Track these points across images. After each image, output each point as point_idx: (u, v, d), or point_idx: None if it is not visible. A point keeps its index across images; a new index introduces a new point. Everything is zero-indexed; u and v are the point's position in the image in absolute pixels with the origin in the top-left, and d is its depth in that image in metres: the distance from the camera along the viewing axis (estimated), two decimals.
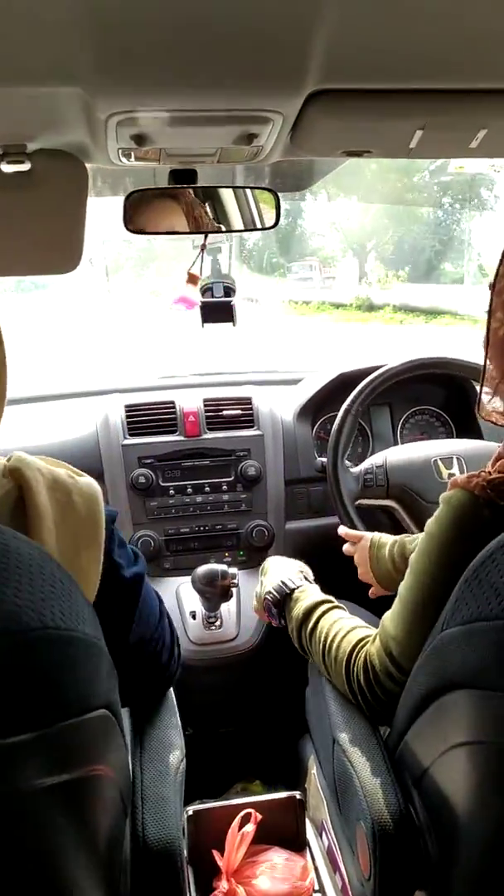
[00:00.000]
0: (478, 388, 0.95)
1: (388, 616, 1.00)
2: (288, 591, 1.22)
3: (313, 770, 1.34)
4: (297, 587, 1.22)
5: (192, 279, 1.53)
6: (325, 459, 1.75)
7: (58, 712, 0.60)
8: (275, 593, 1.23)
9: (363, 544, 1.38)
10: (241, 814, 1.20)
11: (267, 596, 1.24)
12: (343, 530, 1.46)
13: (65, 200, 1.24)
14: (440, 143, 1.18)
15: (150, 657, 1.00)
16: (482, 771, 0.72)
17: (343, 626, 1.10)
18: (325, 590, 1.68)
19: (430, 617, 0.84)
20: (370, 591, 1.39)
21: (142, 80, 0.93)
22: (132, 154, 1.21)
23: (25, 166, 1.16)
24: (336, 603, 1.18)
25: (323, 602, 1.17)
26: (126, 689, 0.85)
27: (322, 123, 1.10)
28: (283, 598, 1.22)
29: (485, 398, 0.92)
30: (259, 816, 1.20)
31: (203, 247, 1.49)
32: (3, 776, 0.57)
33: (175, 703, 1.13)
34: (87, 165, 1.25)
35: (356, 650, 1.04)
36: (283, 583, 1.23)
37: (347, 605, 1.57)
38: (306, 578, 1.27)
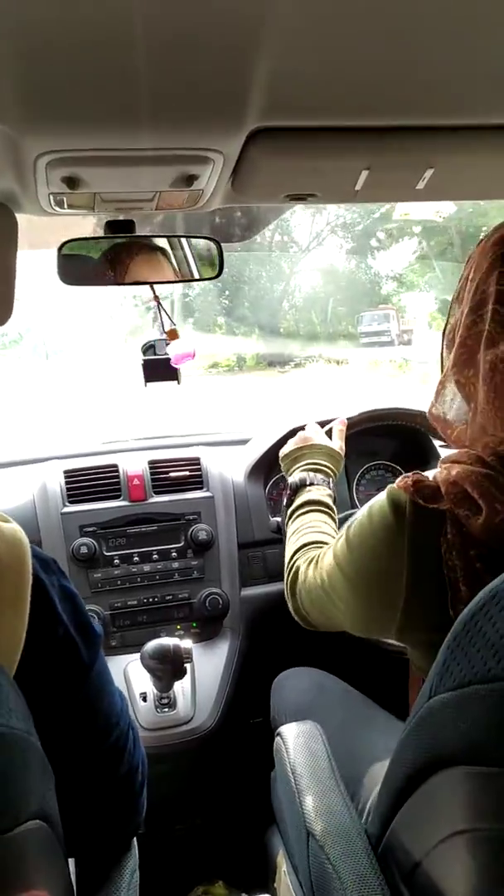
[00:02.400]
0: (431, 437, 0.92)
1: (323, 570, 0.99)
2: (303, 485, 1.28)
3: (283, 867, 1.20)
4: (305, 484, 1.27)
5: (172, 334, 1.48)
6: (279, 519, 1.66)
7: None
8: (297, 483, 1.29)
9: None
10: None
11: (291, 484, 1.30)
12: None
13: None
14: (386, 184, 1.15)
15: (105, 764, 0.83)
16: (484, 864, 0.62)
17: (308, 532, 1.16)
18: (287, 659, 1.59)
19: (346, 596, 0.93)
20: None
21: (72, 116, 0.87)
22: (64, 201, 1.15)
23: None
24: (315, 508, 1.22)
25: (309, 503, 1.23)
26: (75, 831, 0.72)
27: (264, 164, 1.05)
28: (298, 489, 1.28)
29: (435, 396, 0.91)
30: None
31: (156, 298, 1.42)
32: None
33: None
34: (17, 215, 1.17)
35: (301, 567, 1.09)
36: (300, 478, 1.29)
37: (312, 674, 1.47)
38: (330, 470, 1.31)
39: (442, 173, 1.10)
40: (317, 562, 1.02)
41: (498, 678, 0.56)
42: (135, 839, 0.92)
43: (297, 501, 1.25)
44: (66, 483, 1.67)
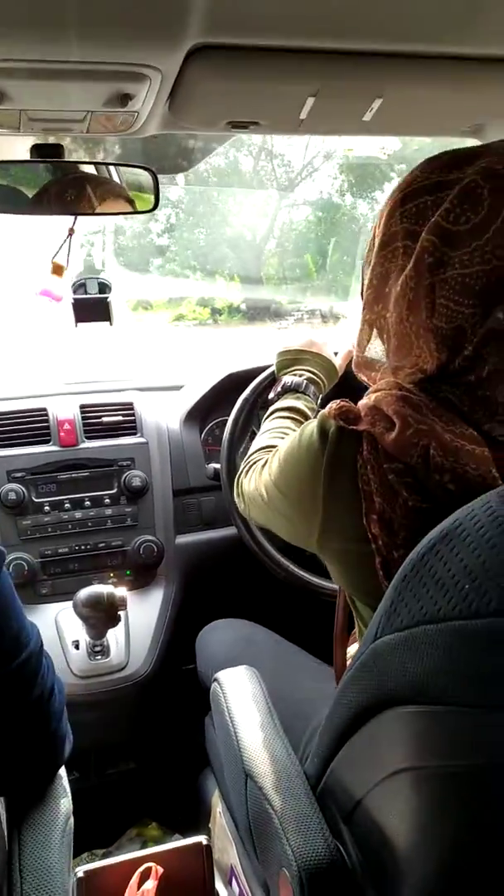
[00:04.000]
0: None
1: (264, 476, 1.02)
2: (295, 390, 1.29)
3: (218, 808, 1.21)
4: (297, 390, 1.29)
5: (57, 269, 1.38)
6: (217, 465, 1.63)
7: None
8: (289, 385, 1.30)
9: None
10: (140, 869, 1.04)
11: (283, 382, 1.31)
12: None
13: None
14: (333, 114, 1.10)
15: (16, 686, 0.80)
16: (426, 800, 0.62)
17: (277, 437, 1.18)
18: (217, 608, 1.58)
19: (271, 501, 0.98)
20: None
21: None
22: None
23: None
24: (295, 416, 1.24)
25: (291, 409, 1.25)
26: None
27: (205, 86, 0.99)
28: (287, 392, 1.30)
29: (357, 347, 0.94)
30: (160, 870, 1.05)
31: (71, 231, 1.34)
32: None
33: None
34: None
35: (255, 464, 1.11)
36: (294, 382, 1.30)
37: (243, 625, 1.46)
38: (322, 384, 1.32)
39: (390, 104, 1.06)
40: (262, 468, 1.05)
41: (448, 618, 0.55)
42: (66, 785, 0.89)
43: (282, 403, 1.27)
44: None
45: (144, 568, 1.60)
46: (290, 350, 1.36)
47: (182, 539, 1.66)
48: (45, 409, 1.64)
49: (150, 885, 1.04)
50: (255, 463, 1.11)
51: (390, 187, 0.87)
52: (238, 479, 1.16)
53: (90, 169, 1.33)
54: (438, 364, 0.80)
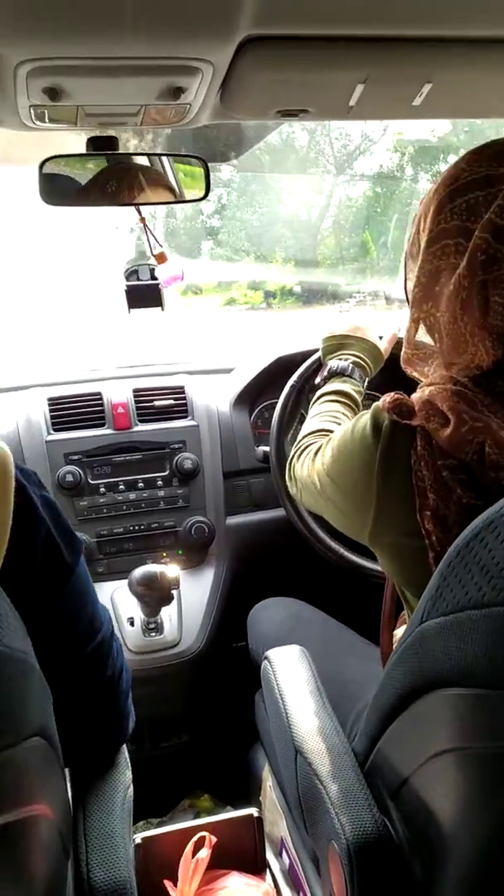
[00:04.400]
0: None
1: (319, 460, 1.03)
2: (341, 373, 1.30)
3: (268, 782, 1.25)
4: (344, 374, 1.30)
5: (161, 257, 1.44)
6: (266, 448, 1.65)
7: None
8: (335, 369, 1.31)
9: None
10: (195, 838, 1.09)
11: (329, 366, 1.32)
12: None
13: None
14: (382, 100, 1.10)
15: (89, 668, 0.85)
16: (471, 780, 0.64)
17: (326, 419, 1.20)
18: (267, 587, 1.61)
19: (323, 489, 1.00)
20: None
21: (55, 21, 0.82)
22: (46, 115, 1.09)
23: None
24: (343, 399, 1.25)
25: (339, 392, 1.26)
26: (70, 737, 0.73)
27: (255, 76, 1.01)
28: (334, 376, 1.31)
29: (405, 345, 0.94)
30: (214, 840, 1.09)
31: (142, 220, 1.38)
32: None
33: None
34: None
35: (307, 448, 1.11)
36: (339, 366, 1.31)
37: (289, 603, 1.49)
38: (369, 368, 1.32)
39: (440, 89, 1.05)
40: (315, 455, 1.06)
41: (492, 603, 0.57)
42: (127, 757, 0.94)
43: (329, 387, 1.28)
44: (51, 411, 1.65)
45: (196, 548, 1.64)
46: (336, 335, 1.37)
47: (232, 520, 1.69)
48: (99, 394, 1.69)
49: (205, 853, 1.09)
50: (307, 447, 1.12)
51: (454, 158, 0.87)
52: (290, 463, 1.18)
53: (142, 159, 1.36)
54: (494, 360, 0.80)
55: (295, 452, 1.17)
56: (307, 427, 1.21)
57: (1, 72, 0.91)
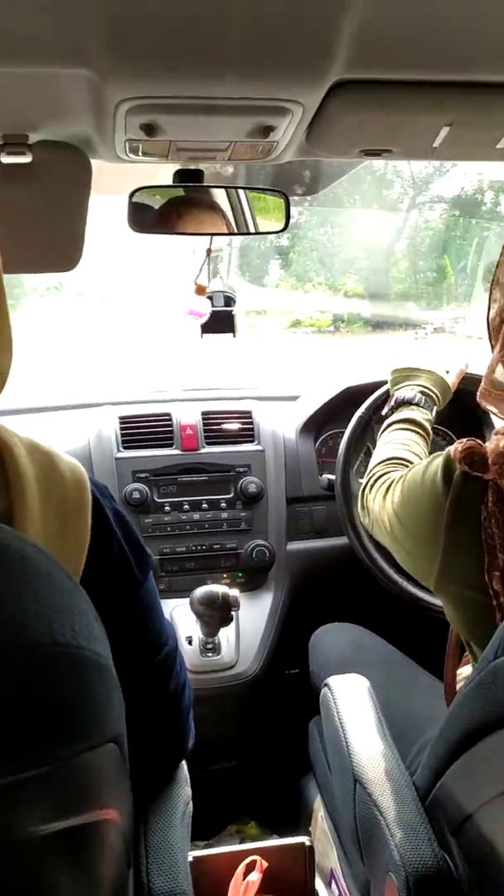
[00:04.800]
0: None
1: (390, 499, 1.02)
2: (409, 402, 1.31)
3: (320, 812, 1.25)
4: (411, 403, 1.30)
5: (200, 290, 1.47)
6: (331, 476, 1.67)
7: (68, 745, 0.52)
8: (403, 398, 1.32)
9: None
10: (246, 861, 1.10)
11: (396, 396, 1.33)
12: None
13: (67, 195, 1.17)
14: (465, 142, 1.12)
15: (155, 680, 0.88)
16: None
17: (398, 448, 1.20)
18: (327, 614, 1.61)
19: (392, 529, 0.98)
20: None
21: (157, 62, 0.86)
22: (139, 148, 1.14)
23: (27, 158, 1.09)
24: (412, 427, 1.25)
25: (409, 421, 1.26)
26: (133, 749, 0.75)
27: (343, 117, 1.04)
28: (402, 405, 1.31)
29: (485, 381, 0.93)
30: (265, 864, 1.10)
31: (209, 252, 1.42)
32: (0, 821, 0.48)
33: None
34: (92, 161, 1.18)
35: (381, 478, 1.11)
36: (407, 396, 1.31)
37: (351, 629, 1.50)
38: (437, 399, 1.33)
39: None
40: (386, 492, 1.05)
41: None
42: (187, 774, 0.96)
43: (399, 416, 1.28)
44: (121, 429, 1.70)
45: (256, 571, 1.66)
46: (403, 368, 1.38)
47: (293, 546, 1.71)
48: (169, 415, 1.73)
49: (255, 876, 1.10)
50: (380, 478, 1.12)
51: None
52: (363, 493, 1.18)
53: (222, 190, 1.40)
54: None
55: (368, 481, 1.17)
56: (379, 454, 1.22)
57: (103, 109, 0.96)
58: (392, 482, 1.05)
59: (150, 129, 1.04)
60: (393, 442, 1.23)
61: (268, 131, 1.06)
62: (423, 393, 1.32)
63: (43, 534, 0.67)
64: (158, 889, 0.76)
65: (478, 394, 0.97)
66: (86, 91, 0.91)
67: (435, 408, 1.33)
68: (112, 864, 0.67)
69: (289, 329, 3.40)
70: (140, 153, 1.15)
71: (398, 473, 1.07)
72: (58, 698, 0.52)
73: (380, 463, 1.19)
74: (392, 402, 1.34)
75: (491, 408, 0.95)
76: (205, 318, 1.51)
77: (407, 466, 1.14)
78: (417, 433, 1.25)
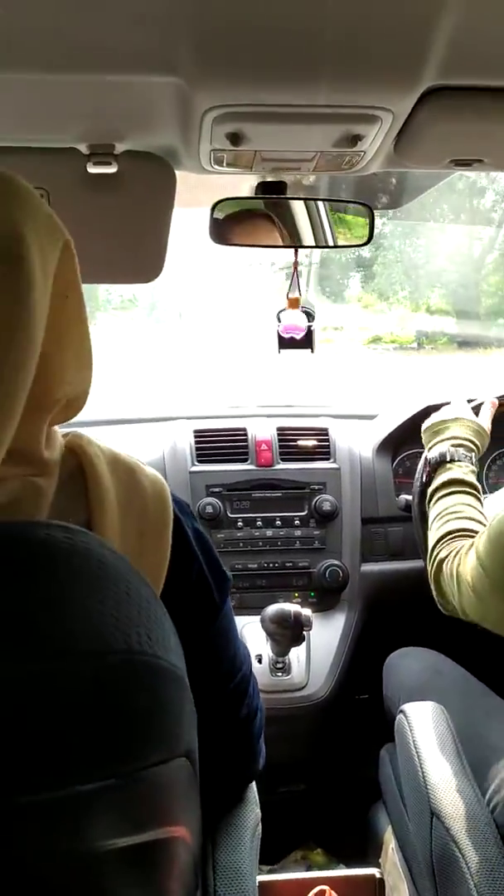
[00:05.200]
0: None
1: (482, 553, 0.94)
2: (444, 461, 1.23)
3: (391, 844, 1.19)
4: (445, 461, 1.22)
5: (294, 303, 1.45)
6: (408, 497, 1.62)
7: (140, 756, 0.50)
8: (437, 458, 1.24)
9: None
10: (315, 890, 1.06)
11: (429, 457, 1.25)
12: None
13: (151, 206, 1.17)
14: None
15: (228, 705, 0.85)
16: None
17: (452, 519, 1.11)
18: (401, 639, 1.56)
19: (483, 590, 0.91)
20: None
21: (246, 70, 0.86)
22: (224, 159, 1.14)
23: (112, 168, 1.10)
24: (457, 489, 1.17)
25: (452, 483, 1.17)
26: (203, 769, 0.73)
27: (433, 125, 1.01)
28: (438, 466, 1.23)
29: None
30: (334, 895, 1.06)
31: (295, 265, 1.40)
32: (70, 832, 0.46)
33: None
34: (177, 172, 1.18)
35: (440, 544, 1.05)
36: (439, 454, 1.23)
37: (427, 655, 1.44)
38: (474, 446, 1.24)
39: None
40: (461, 558, 0.99)
41: None
42: (256, 796, 0.93)
43: (438, 480, 1.19)
44: (196, 443, 1.70)
45: (329, 592, 1.62)
46: (431, 425, 1.32)
47: (367, 567, 1.67)
48: (244, 429, 1.72)
49: None
50: (444, 559, 1.05)
51: None
52: (431, 574, 1.10)
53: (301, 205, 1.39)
54: None
55: (433, 568, 1.09)
56: (434, 534, 1.13)
57: (190, 117, 0.96)
58: (463, 550, 0.98)
59: (235, 139, 1.04)
60: (443, 514, 1.14)
61: (355, 140, 1.05)
62: (456, 445, 1.23)
63: (122, 549, 0.66)
64: None
65: None
66: (174, 99, 0.92)
67: (474, 455, 1.24)
68: (180, 883, 0.65)
69: (368, 345, 3.31)
70: (225, 164, 1.15)
71: (465, 542, 1.00)
72: (131, 708, 0.50)
73: (438, 543, 1.11)
74: (425, 467, 1.26)
75: None
76: (303, 333, 1.49)
77: (471, 536, 1.06)
78: (465, 493, 1.16)
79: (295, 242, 1.36)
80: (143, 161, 1.12)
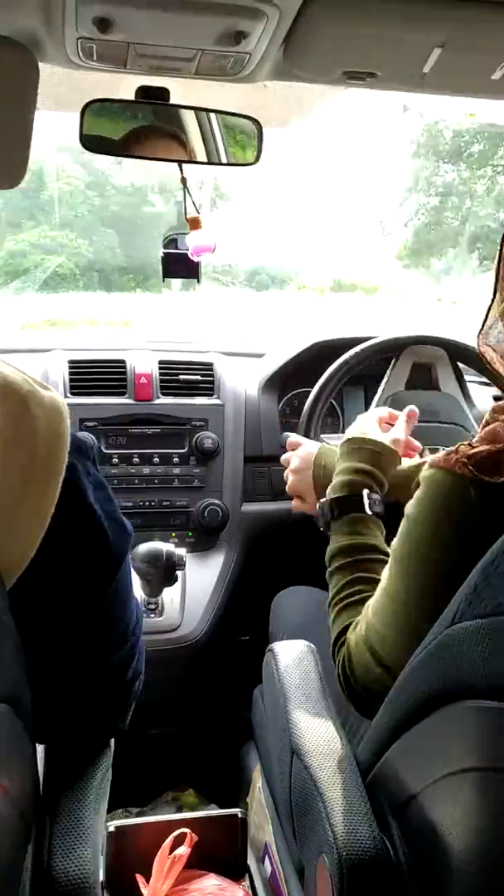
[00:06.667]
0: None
1: (372, 605, 0.84)
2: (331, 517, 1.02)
3: (258, 783, 1.18)
4: (335, 517, 1.02)
5: (195, 223, 1.35)
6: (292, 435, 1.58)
7: None
8: (331, 507, 1.02)
9: (308, 450, 1.23)
10: (174, 833, 1.02)
11: (324, 501, 1.04)
12: (291, 437, 1.30)
13: (10, 101, 1.02)
14: (459, 69, 1.03)
15: (109, 672, 0.78)
16: (492, 804, 0.57)
17: (356, 604, 0.92)
18: (286, 579, 1.53)
19: (422, 609, 0.76)
20: (294, 504, 1.26)
21: None
22: (94, 50, 1.03)
23: None
24: (370, 557, 0.96)
25: (352, 550, 0.98)
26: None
27: (324, 29, 0.94)
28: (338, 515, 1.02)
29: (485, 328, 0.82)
30: (195, 837, 1.02)
31: (183, 180, 1.31)
32: None
33: None
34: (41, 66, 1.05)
35: (342, 635, 0.90)
36: (326, 509, 1.03)
37: (313, 593, 1.42)
38: (369, 474, 1.04)
39: None
40: (358, 623, 0.88)
41: None
42: (112, 743, 0.88)
43: (335, 543, 1.00)
44: (70, 373, 1.59)
45: (207, 531, 1.57)
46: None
47: (249, 507, 1.62)
48: (123, 362, 1.63)
49: (183, 850, 1.03)
50: (344, 642, 0.89)
51: None
52: (338, 667, 0.90)
53: (190, 117, 1.29)
54: None
55: (336, 651, 0.92)
56: (338, 622, 0.94)
57: None
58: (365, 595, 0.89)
59: (104, 25, 0.93)
60: (345, 599, 0.95)
61: (239, 37, 0.96)
62: (352, 486, 1.03)
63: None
64: (60, 869, 0.67)
65: (478, 348, 0.84)
66: None
67: (380, 495, 1.04)
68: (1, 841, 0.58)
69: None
70: (94, 57, 1.04)
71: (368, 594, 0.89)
72: None
73: (343, 632, 0.92)
74: (318, 521, 1.06)
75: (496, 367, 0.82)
76: (214, 250, 1.39)
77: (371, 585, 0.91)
78: (370, 560, 0.96)
79: (177, 157, 1.27)
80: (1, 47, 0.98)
